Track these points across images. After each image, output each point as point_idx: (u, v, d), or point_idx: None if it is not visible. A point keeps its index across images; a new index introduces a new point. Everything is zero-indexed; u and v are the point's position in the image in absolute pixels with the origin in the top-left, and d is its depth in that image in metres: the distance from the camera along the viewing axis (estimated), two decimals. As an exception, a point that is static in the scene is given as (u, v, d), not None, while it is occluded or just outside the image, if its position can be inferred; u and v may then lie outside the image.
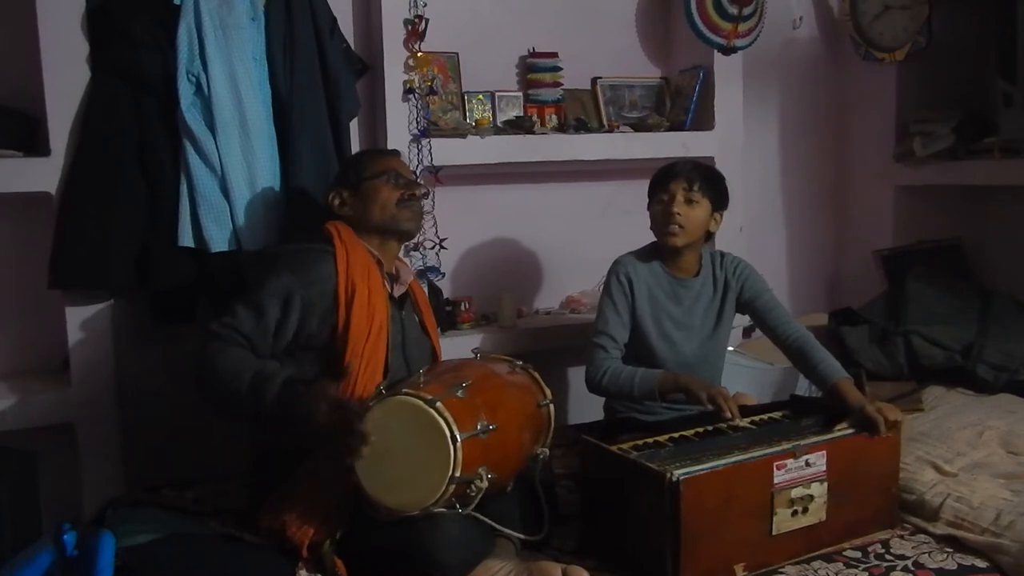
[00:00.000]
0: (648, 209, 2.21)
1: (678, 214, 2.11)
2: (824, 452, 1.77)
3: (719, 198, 2.19)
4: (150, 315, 2.32)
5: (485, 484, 1.59)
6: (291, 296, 1.77)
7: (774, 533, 1.72)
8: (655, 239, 2.22)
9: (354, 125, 2.48)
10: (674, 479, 1.59)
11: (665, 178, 2.17)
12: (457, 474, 1.54)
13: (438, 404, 1.56)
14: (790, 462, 1.73)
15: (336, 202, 1.97)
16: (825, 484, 1.77)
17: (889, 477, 1.90)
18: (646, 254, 2.24)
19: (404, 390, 1.61)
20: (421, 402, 1.57)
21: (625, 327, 2.17)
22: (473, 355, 1.96)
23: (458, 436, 1.54)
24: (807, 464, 1.75)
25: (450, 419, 1.55)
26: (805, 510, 1.75)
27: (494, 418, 1.64)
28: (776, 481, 1.71)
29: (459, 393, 1.62)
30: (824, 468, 1.77)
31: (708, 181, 2.16)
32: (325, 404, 1.60)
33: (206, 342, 1.71)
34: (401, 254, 2.13)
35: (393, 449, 1.56)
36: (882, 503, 1.88)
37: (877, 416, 1.85)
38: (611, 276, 2.20)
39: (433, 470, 1.55)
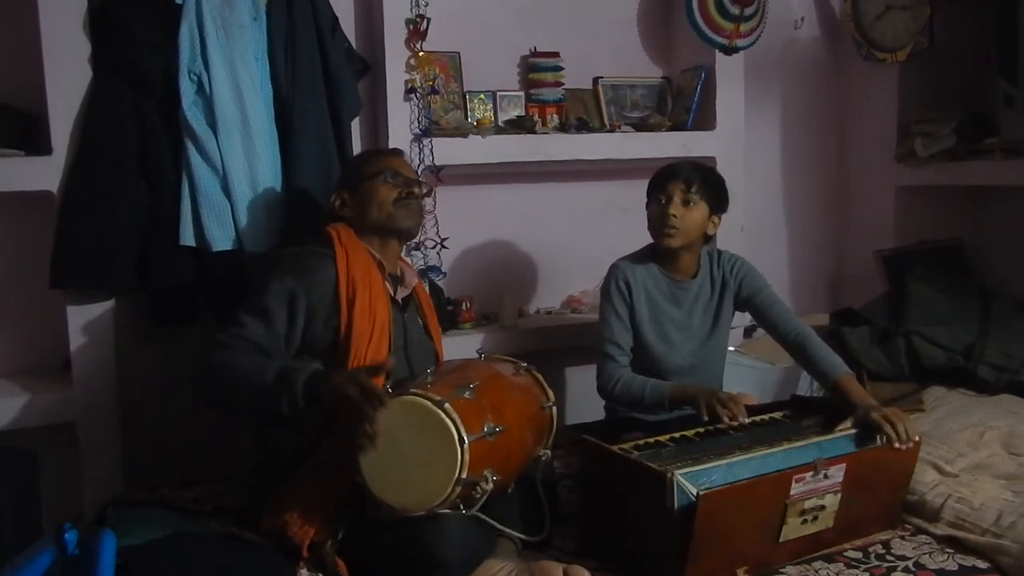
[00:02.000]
0: (646, 209, 2.21)
1: (674, 215, 2.10)
2: (844, 465, 1.73)
3: (717, 200, 2.18)
4: (151, 315, 2.31)
5: (490, 486, 1.58)
6: (295, 299, 1.76)
7: (781, 540, 1.71)
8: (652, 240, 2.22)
9: (356, 124, 2.48)
10: (695, 494, 1.55)
11: (663, 178, 2.15)
12: (464, 476, 1.54)
13: (446, 405, 1.55)
14: (809, 475, 1.69)
15: (337, 203, 1.97)
16: (839, 495, 1.74)
17: (900, 485, 1.89)
18: (643, 257, 2.23)
19: (412, 390, 1.60)
20: (429, 403, 1.56)
21: (628, 331, 2.17)
22: (477, 355, 1.96)
23: (466, 438, 1.54)
24: (825, 476, 1.71)
25: (458, 421, 1.55)
26: (814, 519, 1.73)
27: (500, 420, 1.64)
28: (792, 493, 1.68)
29: (466, 394, 1.62)
30: (841, 479, 1.74)
31: (707, 183, 2.15)
32: (350, 378, 1.59)
33: (214, 350, 1.69)
34: (403, 254, 2.12)
35: (400, 449, 1.56)
36: (885, 505, 1.88)
37: (882, 422, 1.83)
38: (609, 282, 2.20)
39: (439, 471, 1.54)
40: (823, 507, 1.73)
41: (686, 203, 2.12)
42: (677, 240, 2.13)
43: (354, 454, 1.58)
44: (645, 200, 2.22)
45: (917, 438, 1.85)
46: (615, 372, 2.12)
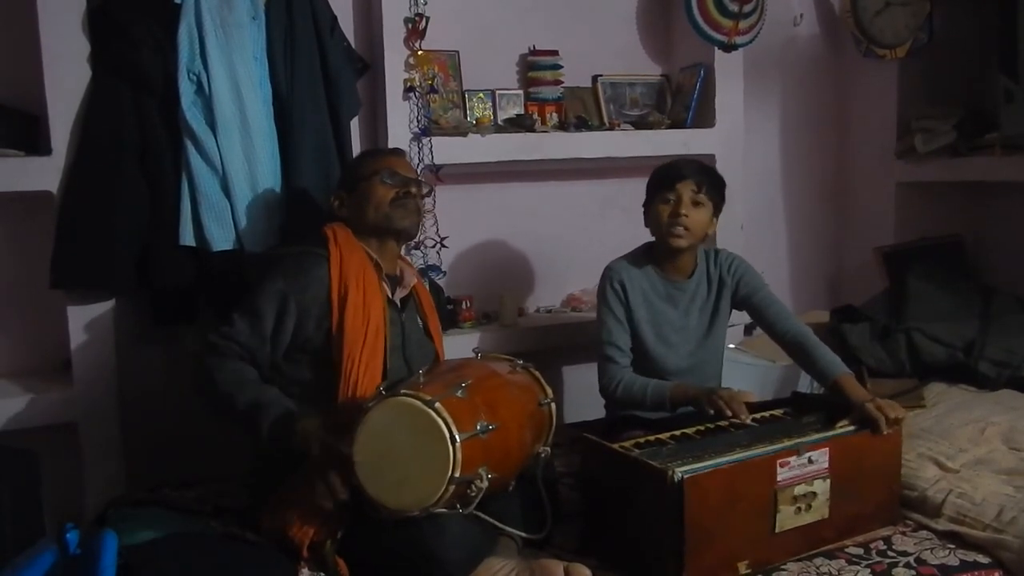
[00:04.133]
0: (645, 208, 2.19)
1: (685, 216, 2.10)
2: (827, 449, 1.77)
3: (720, 201, 2.18)
4: (151, 315, 2.32)
5: (485, 484, 1.58)
6: (286, 301, 1.77)
7: (777, 530, 1.72)
8: (649, 240, 2.22)
9: (355, 124, 2.48)
10: (677, 478, 1.59)
11: (671, 178, 2.13)
12: (457, 475, 1.54)
13: (437, 405, 1.56)
14: (793, 459, 1.72)
15: (336, 204, 1.98)
16: (828, 481, 1.77)
17: (891, 473, 1.90)
18: (639, 257, 2.22)
19: (403, 391, 1.60)
20: (420, 403, 1.56)
21: (627, 332, 2.16)
22: (474, 354, 1.96)
23: (457, 437, 1.54)
24: (810, 461, 1.74)
25: (449, 420, 1.55)
26: (808, 507, 1.75)
27: (494, 417, 1.64)
28: (779, 478, 1.71)
29: (459, 393, 1.62)
30: (827, 465, 1.77)
31: (713, 183, 2.15)
32: (316, 447, 1.63)
33: (205, 354, 1.73)
34: (402, 253, 2.12)
35: (393, 450, 1.56)
36: (884, 500, 1.88)
37: (877, 414, 1.85)
38: (604, 283, 2.19)
39: (433, 471, 1.54)
40: (815, 494, 1.75)
41: (695, 204, 2.11)
42: (686, 240, 2.12)
43: (350, 458, 1.58)
44: (643, 198, 2.21)
45: (901, 415, 1.87)
46: (616, 374, 2.11)
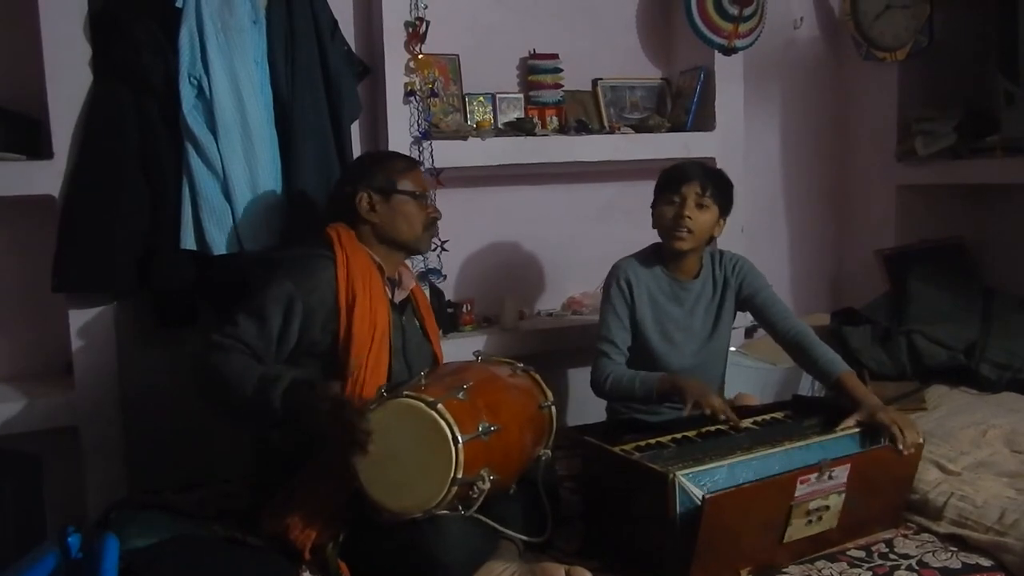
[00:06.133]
0: (653, 208, 2.20)
1: (688, 218, 2.11)
2: (848, 466, 1.73)
3: (727, 204, 2.19)
4: (153, 318, 2.32)
5: (487, 485, 1.59)
6: (292, 303, 1.77)
7: (785, 541, 1.70)
8: (655, 240, 2.22)
9: (355, 127, 2.48)
10: (700, 498, 1.55)
11: (677, 180, 2.15)
12: (459, 475, 1.54)
13: (439, 406, 1.56)
14: (813, 476, 1.69)
15: (363, 204, 1.92)
16: (843, 495, 1.74)
17: (903, 485, 1.88)
18: (646, 257, 2.23)
19: (405, 392, 1.61)
20: (422, 404, 1.57)
21: (627, 331, 2.17)
22: (474, 358, 1.96)
23: (459, 437, 1.54)
24: (830, 477, 1.71)
25: (451, 420, 1.55)
26: (819, 519, 1.73)
27: (496, 419, 1.64)
28: (797, 495, 1.68)
29: (460, 395, 1.62)
30: (845, 480, 1.73)
31: (719, 186, 2.16)
32: (328, 403, 1.61)
33: (209, 351, 1.70)
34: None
35: (395, 451, 1.56)
36: (888, 505, 1.87)
37: (896, 431, 1.82)
38: (610, 281, 2.20)
39: (435, 472, 1.55)
40: (827, 507, 1.73)
41: (700, 206, 2.12)
42: (688, 243, 2.13)
43: (349, 461, 1.58)
44: (644, 201, 2.22)
45: (921, 440, 1.85)
46: (607, 367, 2.12)
